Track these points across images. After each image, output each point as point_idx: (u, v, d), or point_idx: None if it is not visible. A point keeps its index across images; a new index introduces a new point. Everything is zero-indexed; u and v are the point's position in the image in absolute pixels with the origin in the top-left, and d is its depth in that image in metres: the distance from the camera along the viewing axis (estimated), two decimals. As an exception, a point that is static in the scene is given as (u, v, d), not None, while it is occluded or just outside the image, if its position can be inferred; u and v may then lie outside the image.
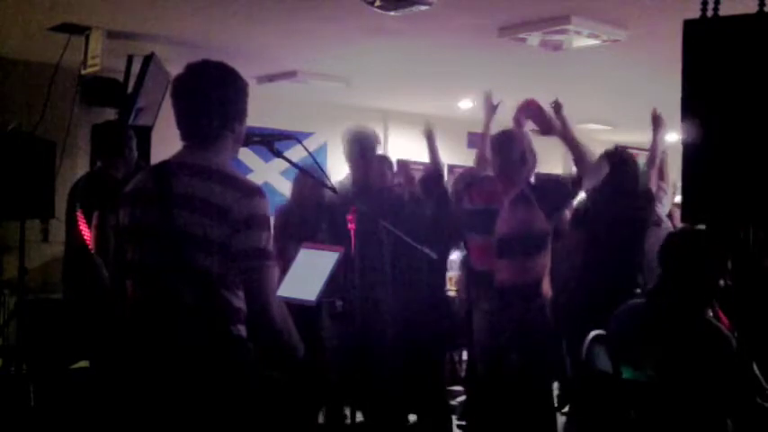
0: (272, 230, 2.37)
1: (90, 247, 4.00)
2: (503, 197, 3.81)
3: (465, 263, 4.40)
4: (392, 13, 4.29)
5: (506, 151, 3.82)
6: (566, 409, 4.77)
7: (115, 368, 3.01)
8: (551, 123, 3.83)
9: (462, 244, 4.26)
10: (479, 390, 4.05)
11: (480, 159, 4.17)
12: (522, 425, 3.77)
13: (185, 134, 2.40)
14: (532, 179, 3.95)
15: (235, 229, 2.25)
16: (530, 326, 3.70)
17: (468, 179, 4.06)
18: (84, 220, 4.06)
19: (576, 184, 3.82)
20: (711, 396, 2.84)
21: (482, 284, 3.85)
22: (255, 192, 2.31)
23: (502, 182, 3.84)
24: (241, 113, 2.42)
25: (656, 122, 4.82)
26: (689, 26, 2.27)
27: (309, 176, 3.48)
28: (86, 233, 4.05)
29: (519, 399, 3.73)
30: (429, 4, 4.19)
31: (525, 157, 3.83)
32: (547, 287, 3.79)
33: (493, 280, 3.76)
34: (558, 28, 4.82)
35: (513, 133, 3.88)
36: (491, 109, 4.25)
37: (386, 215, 3.86)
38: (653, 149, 4.82)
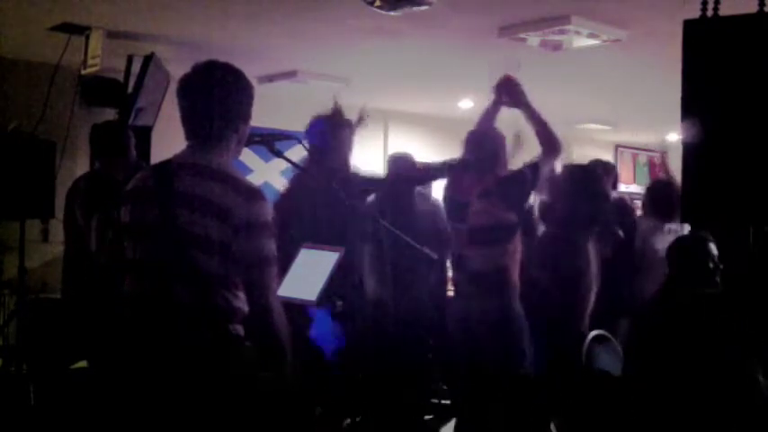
0: (273, 231, 2.36)
1: (91, 248, 4.00)
2: (473, 191, 3.92)
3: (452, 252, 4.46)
4: (392, 13, 4.29)
5: (479, 148, 3.94)
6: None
7: (114, 367, 3.01)
8: (519, 96, 3.97)
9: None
10: (461, 386, 4.10)
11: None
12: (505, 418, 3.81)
13: (189, 134, 2.40)
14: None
15: (236, 232, 2.25)
16: (497, 315, 3.75)
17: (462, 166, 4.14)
18: (84, 222, 4.05)
19: (534, 170, 3.87)
20: (714, 395, 2.85)
21: (459, 269, 3.98)
22: (257, 195, 2.31)
23: (473, 177, 3.94)
24: (245, 114, 2.43)
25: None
26: (689, 26, 2.27)
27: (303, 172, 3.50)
28: (87, 234, 4.04)
29: (492, 394, 3.79)
30: (429, 4, 4.19)
31: (497, 153, 3.94)
32: (516, 278, 3.86)
33: (467, 265, 3.89)
34: (558, 28, 4.82)
35: (488, 131, 4.00)
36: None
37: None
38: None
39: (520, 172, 3.90)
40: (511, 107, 4.04)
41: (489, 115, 4.14)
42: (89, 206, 4.04)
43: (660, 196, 4.98)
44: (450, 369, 4.34)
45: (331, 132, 4.05)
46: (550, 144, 3.90)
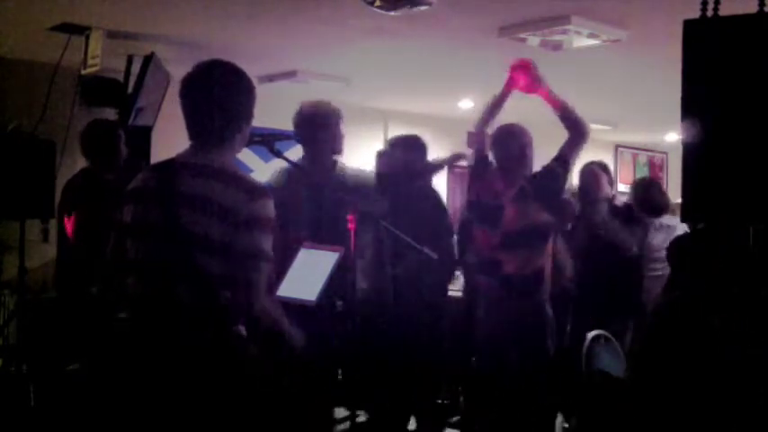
0: (273, 228, 2.36)
1: (72, 241, 4.01)
2: (505, 193, 3.85)
3: (468, 256, 4.42)
4: (392, 14, 4.29)
5: (506, 146, 3.87)
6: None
7: (113, 367, 3.02)
8: (537, 81, 3.86)
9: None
10: (478, 385, 4.08)
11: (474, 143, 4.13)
12: (517, 424, 3.79)
13: (191, 134, 2.40)
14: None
15: (238, 229, 2.24)
16: (529, 324, 3.74)
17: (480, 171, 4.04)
18: (69, 219, 4.06)
19: (564, 164, 3.82)
20: (710, 396, 2.84)
21: (489, 273, 3.89)
22: (261, 193, 2.31)
23: (503, 177, 3.88)
24: (247, 113, 2.43)
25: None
26: (689, 26, 2.26)
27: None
28: (69, 230, 4.06)
29: (516, 398, 3.76)
30: (429, 4, 4.19)
31: (525, 152, 3.87)
32: (548, 277, 3.83)
33: (499, 269, 3.81)
34: (558, 28, 4.82)
35: (514, 128, 3.92)
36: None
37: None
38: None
39: (550, 169, 3.83)
40: (529, 93, 3.92)
41: (500, 101, 4.00)
42: (72, 204, 4.06)
43: (644, 195, 5.04)
44: (467, 371, 4.30)
45: (313, 129, 3.84)
46: (577, 128, 3.83)
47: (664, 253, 3.67)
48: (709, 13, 2.23)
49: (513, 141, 3.86)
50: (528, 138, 3.90)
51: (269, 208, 2.31)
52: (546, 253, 3.82)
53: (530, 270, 3.77)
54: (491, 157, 3.97)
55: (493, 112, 4.03)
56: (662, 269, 4.37)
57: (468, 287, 4.52)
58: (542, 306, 3.80)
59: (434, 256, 3.73)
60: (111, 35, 5.19)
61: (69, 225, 4.08)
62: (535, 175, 3.86)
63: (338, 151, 3.91)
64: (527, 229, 3.77)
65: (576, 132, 3.83)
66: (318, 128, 3.83)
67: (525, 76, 3.90)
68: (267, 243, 2.31)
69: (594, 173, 4.98)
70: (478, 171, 4.02)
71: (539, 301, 3.79)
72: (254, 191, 2.29)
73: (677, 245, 3.51)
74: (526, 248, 3.77)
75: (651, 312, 3.43)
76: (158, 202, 2.30)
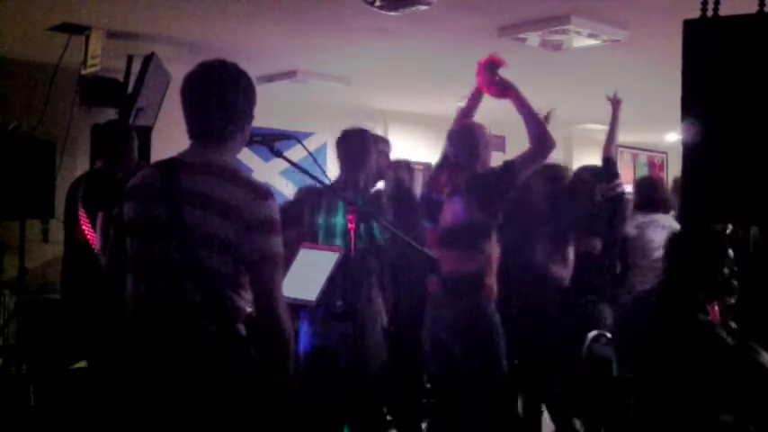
0: (280, 230, 2.35)
1: (95, 248, 3.99)
2: (444, 189, 3.81)
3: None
4: (392, 13, 4.30)
5: (458, 144, 3.83)
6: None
7: (115, 366, 3.02)
8: (505, 85, 3.78)
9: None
10: (433, 385, 4.06)
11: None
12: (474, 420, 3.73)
13: (193, 132, 2.39)
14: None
15: (243, 230, 2.24)
16: (468, 320, 3.64)
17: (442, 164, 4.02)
18: (86, 221, 4.05)
19: (509, 170, 3.68)
20: (701, 394, 2.84)
21: (434, 272, 3.81)
22: (266, 194, 2.30)
23: (451, 174, 3.82)
24: (248, 113, 2.42)
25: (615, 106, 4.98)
26: (689, 26, 2.26)
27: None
28: (90, 234, 4.04)
29: (466, 395, 3.70)
30: (429, 4, 4.20)
31: (476, 151, 3.79)
32: (492, 282, 3.69)
33: (439, 268, 3.72)
34: (558, 28, 4.83)
35: (470, 127, 3.87)
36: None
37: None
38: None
39: (493, 170, 3.74)
40: (499, 97, 3.82)
41: (470, 104, 4.00)
42: (92, 205, 4.04)
43: (646, 192, 5.08)
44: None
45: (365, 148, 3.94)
46: (540, 140, 3.67)
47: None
48: (709, 13, 2.23)
49: (465, 139, 3.81)
50: (483, 137, 3.81)
51: (275, 208, 2.31)
52: (482, 257, 3.66)
53: (465, 270, 3.63)
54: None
55: (467, 114, 4.00)
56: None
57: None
58: (482, 308, 3.64)
59: (435, 255, 3.72)
60: (111, 35, 5.19)
61: (91, 233, 4.04)
62: (477, 175, 3.73)
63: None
64: (460, 227, 3.67)
65: (539, 144, 3.67)
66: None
67: (487, 77, 3.83)
68: (278, 244, 2.30)
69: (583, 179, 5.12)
70: (439, 166, 3.99)
71: (477, 303, 3.63)
72: (255, 190, 2.29)
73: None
74: (461, 247, 3.66)
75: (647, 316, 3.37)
76: (160, 200, 2.30)
